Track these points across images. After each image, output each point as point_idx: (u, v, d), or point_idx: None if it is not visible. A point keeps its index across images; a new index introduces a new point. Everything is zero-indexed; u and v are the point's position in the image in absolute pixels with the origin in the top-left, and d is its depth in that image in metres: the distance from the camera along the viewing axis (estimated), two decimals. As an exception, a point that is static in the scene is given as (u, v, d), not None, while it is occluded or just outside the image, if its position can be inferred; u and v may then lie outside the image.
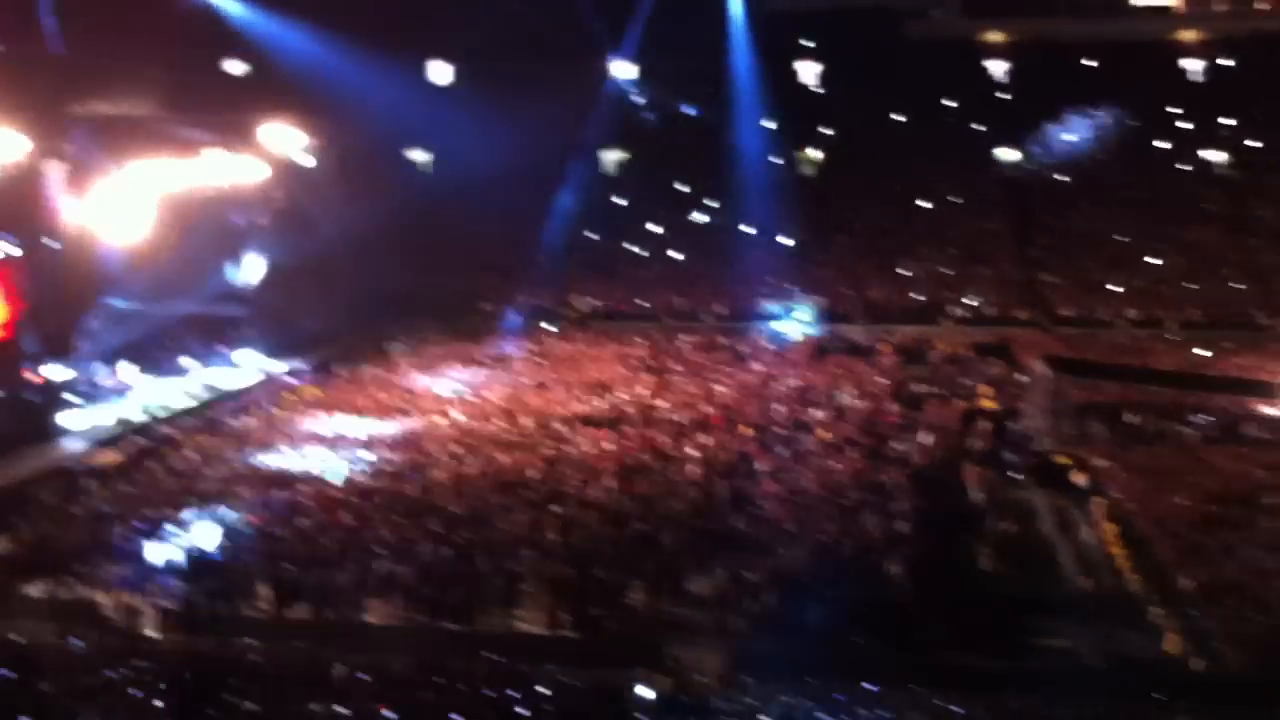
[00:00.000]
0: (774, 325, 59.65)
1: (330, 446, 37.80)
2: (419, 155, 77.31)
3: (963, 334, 56.64)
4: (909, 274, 65.08)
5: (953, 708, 20.25)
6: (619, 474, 33.75)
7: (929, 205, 71.12)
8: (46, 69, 43.58)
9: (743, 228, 70.29)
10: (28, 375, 40.51)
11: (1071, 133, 71.70)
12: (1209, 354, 50.83)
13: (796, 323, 59.86)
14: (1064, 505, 33.48)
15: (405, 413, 42.93)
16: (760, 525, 29.67)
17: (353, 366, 52.34)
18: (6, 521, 31.24)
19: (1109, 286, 62.10)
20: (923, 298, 62.67)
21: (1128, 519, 30.65)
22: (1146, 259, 64.12)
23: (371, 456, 36.71)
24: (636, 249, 70.04)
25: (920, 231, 69.04)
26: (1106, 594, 27.73)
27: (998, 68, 78.87)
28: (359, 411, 42.89)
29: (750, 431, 38.74)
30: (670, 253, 69.36)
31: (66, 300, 42.77)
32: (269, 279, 56.18)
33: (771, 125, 77.92)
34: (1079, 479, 34.64)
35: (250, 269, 55.33)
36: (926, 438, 37.60)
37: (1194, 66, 76.91)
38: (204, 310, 52.28)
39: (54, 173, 42.06)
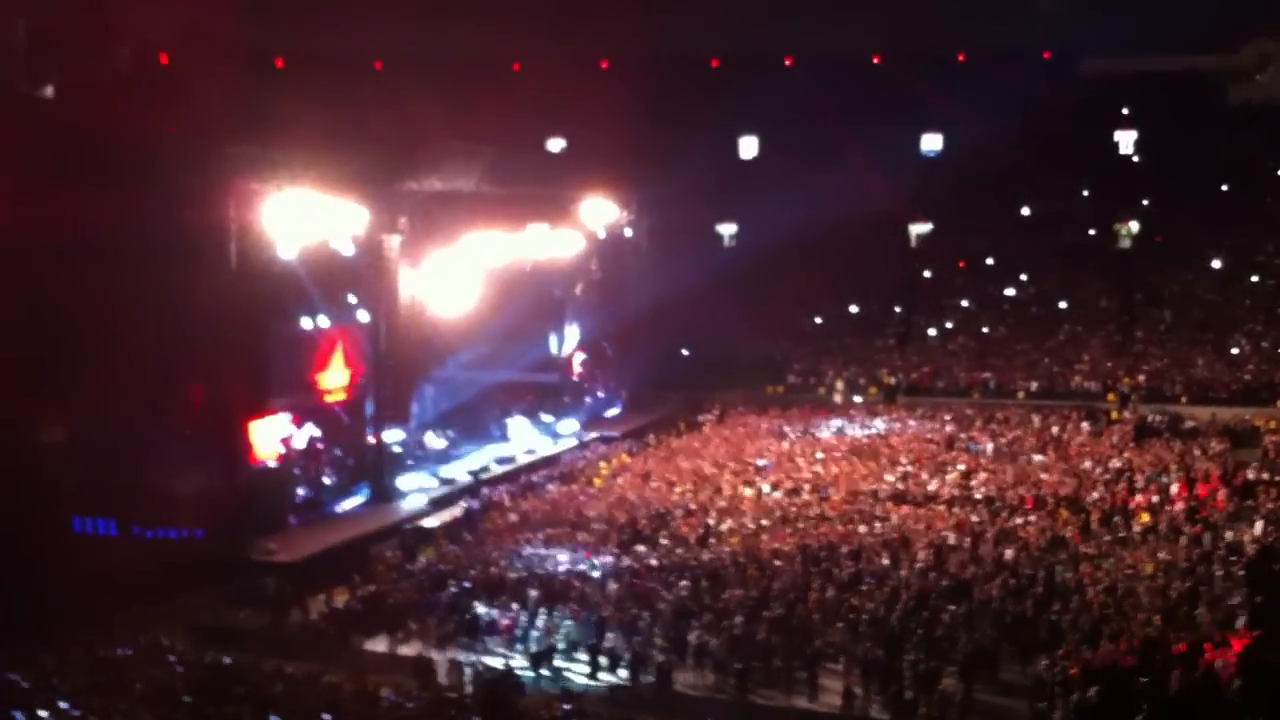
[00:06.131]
0: (1091, 403, 57.60)
1: (642, 515, 38.67)
2: (725, 225, 78.59)
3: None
4: (1236, 351, 61.76)
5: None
6: (930, 553, 33.29)
7: (1255, 279, 67.61)
8: (384, 145, 46.17)
9: (1054, 301, 68.65)
10: (366, 438, 43.02)
11: None
12: None
13: (1115, 401, 57.69)
14: None
15: (713, 482, 43.60)
16: (1079, 614, 28.64)
17: (663, 435, 53.74)
18: (346, 576, 33.36)
19: None
20: (1252, 377, 59.05)
21: None
22: None
23: (682, 527, 37.38)
24: (943, 321, 69.17)
25: (1248, 307, 65.60)
26: None
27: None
28: (669, 481, 43.80)
29: (1067, 514, 37.52)
30: (979, 326, 68.14)
31: (402, 367, 45.09)
32: (584, 348, 58.24)
33: (1084, 193, 76.09)
34: None
35: (567, 338, 57.43)
36: (1261, 527, 35.49)
37: None
38: (523, 378, 54.62)
39: (392, 245, 44.34)
